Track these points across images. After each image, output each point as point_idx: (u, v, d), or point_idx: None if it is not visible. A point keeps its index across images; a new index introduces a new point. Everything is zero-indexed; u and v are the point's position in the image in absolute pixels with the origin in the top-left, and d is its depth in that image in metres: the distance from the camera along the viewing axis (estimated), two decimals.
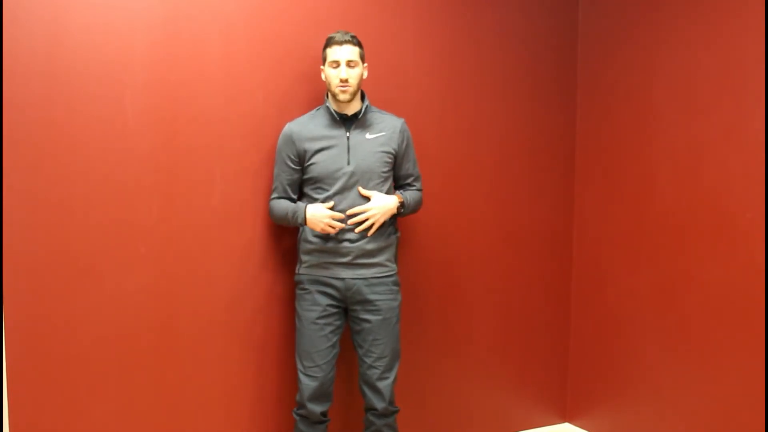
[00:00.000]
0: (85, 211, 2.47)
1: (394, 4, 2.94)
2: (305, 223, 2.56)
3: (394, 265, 2.68)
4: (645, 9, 3.04)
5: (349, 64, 2.52)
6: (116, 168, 2.50)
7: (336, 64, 2.52)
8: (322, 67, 2.60)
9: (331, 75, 2.54)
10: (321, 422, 2.63)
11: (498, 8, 3.16)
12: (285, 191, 2.63)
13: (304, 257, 2.63)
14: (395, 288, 2.67)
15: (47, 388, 2.46)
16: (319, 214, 2.52)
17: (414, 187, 2.77)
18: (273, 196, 2.66)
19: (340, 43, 2.51)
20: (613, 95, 3.20)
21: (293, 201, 2.65)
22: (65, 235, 2.44)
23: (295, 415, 2.65)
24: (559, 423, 3.50)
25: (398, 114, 2.92)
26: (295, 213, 2.57)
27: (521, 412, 3.39)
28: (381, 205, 2.57)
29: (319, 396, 2.59)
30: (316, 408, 2.59)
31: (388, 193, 2.63)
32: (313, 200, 2.60)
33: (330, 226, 2.52)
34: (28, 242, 2.39)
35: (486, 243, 3.23)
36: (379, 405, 2.63)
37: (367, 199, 2.58)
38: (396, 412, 2.69)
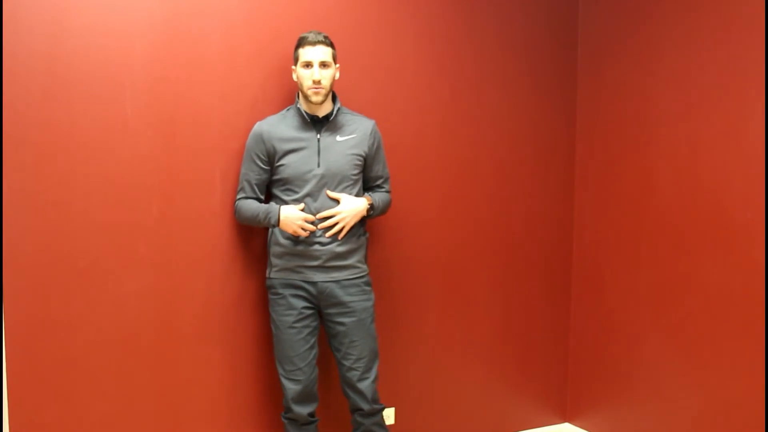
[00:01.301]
0: (85, 211, 2.47)
1: (394, 4, 2.94)
2: (278, 225, 2.53)
3: (365, 266, 2.67)
4: (645, 9, 3.04)
5: (323, 65, 2.50)
6: (116, 168, 2.50)
7: (309, 65, 2.50)
8: (293, 67, 2.57)
9: (304, 76, 2.51)
10: (309, 423, 2.63)
11: (498, 8, 3.16)
12: (253, 191, 2.59)
13: (274, 260, 2.61)
14: (368, 288, 2.66)
15: (47, 388, 2.46)
16: (292, 216, 2.50)
17: (383, 189, 2.76)
18: (239, 196, 2.61)
19: (313, 43, 2.48)
20: (613, 95, 3.20)
21: (260, 201, 2.62)
22: (65, 235, 2.44)
23: (283, 419, 2.64)
24: (559, 423, 3.50)
25: (396, 113, 2.93)
26: (267, 214, 2.53)
27: (521, 412, 3.39)
28: (351, 208, 2.56)
29: (304, 398, 2.59)
30: (303, 410, 2.59)
31: (357, 195, 2.62)
32: (283, 202, 2.57)
33: (303, 229, 2.50)
34: (28, 242, 2.39)
35: (486, 242, 3.23)
36: (364, 406, 2.62)
37: (336, 201, 2.56)
38: (382, 409, 2.68)
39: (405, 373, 3.07)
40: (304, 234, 2.51)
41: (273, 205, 2.55)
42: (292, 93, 2.76)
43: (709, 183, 2.80)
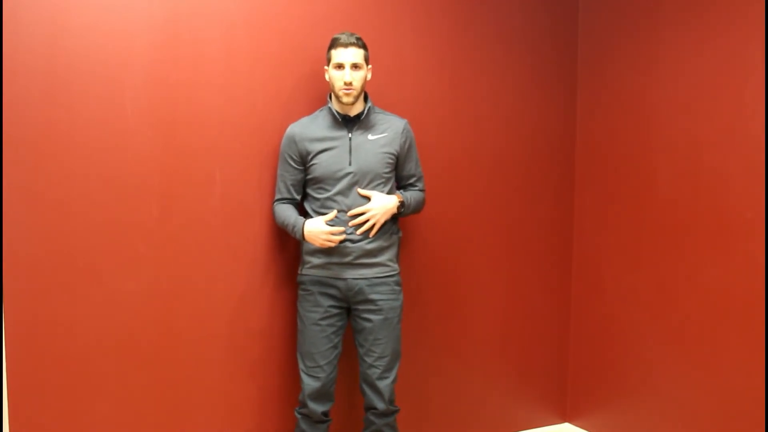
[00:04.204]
0: (85, 211, 2.47)
1: (394, 3, 2.94)
2: (303, 239, 2.56)
3: (396, 265, 2.69)
4: (645, 8, 3.04)
5: (354, 66, 2.52)
6: (116, 168, 2.50)
7: (341, 66, 2.52)
8: (326, 67, 2.59)
9: (336, 77, 2.53)
10: (322, 422, 2.64)
11: (498, 8, 3.16)
12: (288, 191, 2.63)
13: (306, 258, 2.64)
14: (397, 288, 2.67)
15: (47, 388, 2.46)
16: (316, 230, 2.52)
17: (416, 188, 2.77)
18: (276, 197, 2.66)
19: (346, 45, 2.50)
20: (614, 95, 3.20)
21: (296, 201, 2.65)
22: (65, 235, 2.44)
23: (297, 414, 2.66)
24: (559, 423, 3.50)
25: (398, 113, 2.93)
26: (294, 227, 2.57)
27: (521, 412, 3.39)
28: (381, 205, 2.57)
29: (320, 396, 2.60)
30: (318, 408, 2.60)
31: (389, 193, 2.64)
32: (315, 200, 2.60)
33: (329, 241, 2.51)
34: (28, 242, 2.39)
35: (486, 243, 3.23)
36: (379, 405, 2.63)
37: (368, 198, 2.58)
38: (396, 411, 2.69)
39: (405, 374, 3.06)
40: (331, 245, 2.52)
41: (299, 219, 2.58)
42: (293, 92, 2.76)
43: (709, 183, 2.81)
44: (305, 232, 2.54)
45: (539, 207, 3.35)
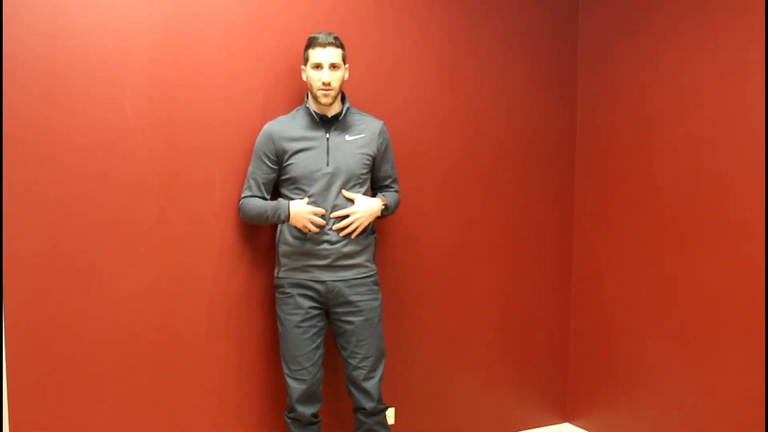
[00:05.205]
0: (85, 211, 2.47)
1: (394, 3, 2.94)
2: (288, 220, 2.53)
3: (373, 266, 2.68)
4: (645, 8, 3.04)
5: (333, 66, 2.50)
6: (116, 168, 2.50)
7: (319, 66, 2.50)
8: (303, 67, 2.58)
9: (314, 77, 2.51)
10: (313, 423, 2.63)
11: (498, 8, 3.16)
12: (259, 190, 2.60)
13: (283, 260, 2.61)
14: (375, 288, 2.67)
15: (47, 388, 2.46)
16: (302, 210, 2.51)
17: (392, 189, 2.78)
18: (245, 194, 2.62)
19: (324, 45, 2.49)
20: (614, 94, 3.20)
21: (266, 200, 2.62)
22: (65, 235, 2.44)
23: (286, 419, 2.64)
24: (559, 423, 3.50)
25: (396, 112, 2.93)
26: (276, 210, 2.54)
27: (521, 412, 3.39)
28: (366, 208, 2.57)
29: (308, 398, 2.59)
30: (307, 410, 2.59)
31: (365, 194, 2.63)
32: (291, 200, 2.58)
33: (312, 223, 2.50)
34: (28, 242, 2.39)
35: (486, 243, 3.23)
36: (368, 405, 2.63)
37: (351, 201, 2.57)
38: (385, 409, 2.68)
39: (405, 373, 3.07)
40: (314, 229, 2.51)
41: (281, 200, 2.56)
42: (292, 92, 2.76)
43: (709, 182, 2.81)
44: (291, 212, 2.51)
45: (539, 207, 3.35)
